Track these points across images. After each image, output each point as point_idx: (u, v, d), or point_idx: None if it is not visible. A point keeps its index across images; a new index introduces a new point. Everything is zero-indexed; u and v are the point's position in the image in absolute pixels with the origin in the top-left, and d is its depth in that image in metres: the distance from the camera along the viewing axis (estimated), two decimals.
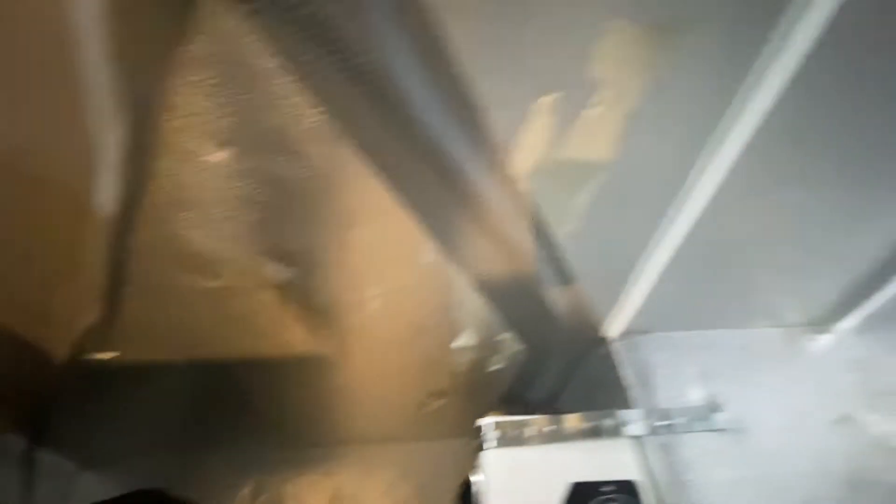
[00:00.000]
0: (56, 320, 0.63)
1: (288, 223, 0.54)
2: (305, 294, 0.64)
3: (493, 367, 0.87)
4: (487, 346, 0.81)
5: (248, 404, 0.91)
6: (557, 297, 0.71)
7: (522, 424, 0.66)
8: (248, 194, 0.50)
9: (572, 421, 0.66)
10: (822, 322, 0.80)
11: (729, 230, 0.60)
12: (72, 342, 0.66)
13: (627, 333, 0.78)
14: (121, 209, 0.48)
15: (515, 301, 0.70)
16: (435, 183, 0.49)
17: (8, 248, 0.54)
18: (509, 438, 0.65)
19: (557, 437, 0.65)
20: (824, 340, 0.79)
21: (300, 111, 0.43)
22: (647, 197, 0.55)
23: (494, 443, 0.64)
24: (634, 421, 0.66)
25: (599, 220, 0.57)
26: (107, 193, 0.46)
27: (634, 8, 0.37)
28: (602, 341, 0.79)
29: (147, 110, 0.40)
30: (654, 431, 0.66)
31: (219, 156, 0.45)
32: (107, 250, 0.52)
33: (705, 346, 0.77)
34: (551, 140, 0.46)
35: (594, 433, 0.66)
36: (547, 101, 0.42)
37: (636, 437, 0.66)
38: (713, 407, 0.69)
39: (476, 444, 0.66)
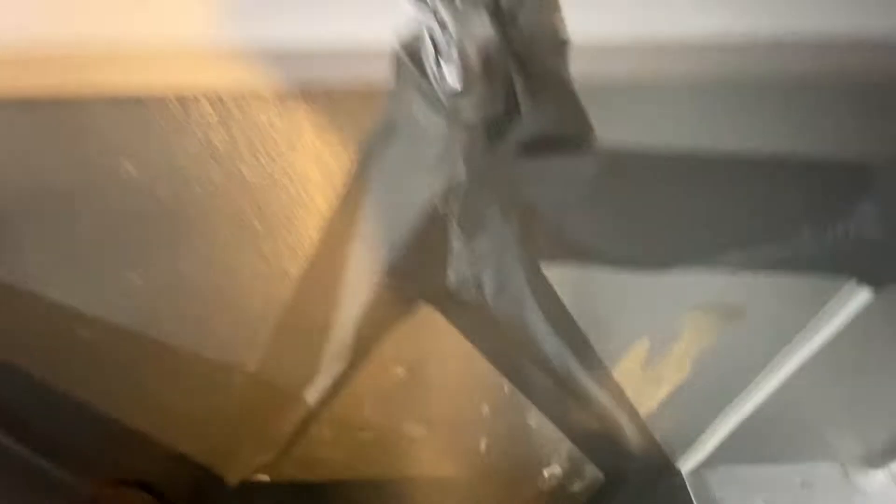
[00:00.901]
0: (238, 459, 0.81)
1: (430, 400, 0.70)
2: (431, 441, 0.79)
3: (574, 489, 0.98)
4: (572, 474, 0.93)
5: None
6: (636, 440, 0.83)
7: None
8: (406, 386, 0.66)
9: None
10: (877, 460, 0.89)
11: (798, 397, 0.72)
12: (243, 474, 0.84)
13: (697, 468, 0.88)
14: (318, 402, 0.65)
15: (600, 446, 0.83)
16: (549, 384, 0.64)
17: (218, 413, 0.72)
18: None
19: None
20: (880, 477, 0.88)
21: (456, 342, 0.60)
22: (727, 380, 0.68)
23: None
24: None
25: (680, 396, 0.70)
26: (314, 396, 0.63)
27: (712, 298, 0.52)
28: (673, 472, 0.90)
29: (362, 355, 0.57)
30: None
31: (396, 372, 0.62)
32: (298, 423, 0.69)
33: (768, 481, 0.87)
34: (644, 361, 0.61)
35: None
36: (642, 342, 0.58)
37: None
38: None
39: None
